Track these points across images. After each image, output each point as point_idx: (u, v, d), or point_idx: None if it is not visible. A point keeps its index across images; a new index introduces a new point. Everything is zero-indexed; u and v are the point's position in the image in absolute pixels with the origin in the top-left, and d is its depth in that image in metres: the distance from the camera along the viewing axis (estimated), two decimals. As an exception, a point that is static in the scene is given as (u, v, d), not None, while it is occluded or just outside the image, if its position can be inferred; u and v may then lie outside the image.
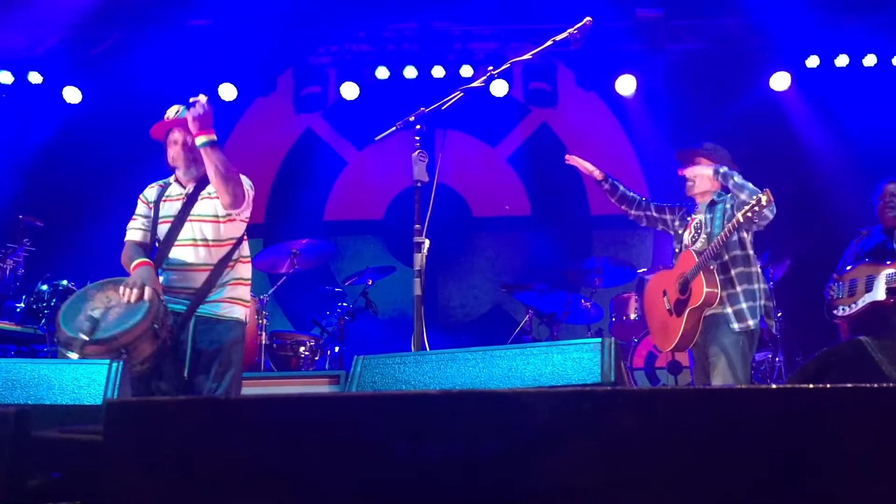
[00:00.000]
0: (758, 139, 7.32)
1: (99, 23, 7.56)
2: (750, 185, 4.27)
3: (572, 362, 2.43)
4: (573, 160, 4.87)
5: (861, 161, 7.52)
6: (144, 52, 7.82)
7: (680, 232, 4.64)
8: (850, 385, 1.39)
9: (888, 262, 5.08)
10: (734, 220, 4.21)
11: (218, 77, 7.94)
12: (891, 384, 1.55)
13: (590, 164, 4.83)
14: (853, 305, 5.06)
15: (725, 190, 4.52)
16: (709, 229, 4.48)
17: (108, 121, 7.92)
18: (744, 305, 4.28)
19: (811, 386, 1.28)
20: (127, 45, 7.87)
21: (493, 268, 8.36)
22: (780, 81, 7.71)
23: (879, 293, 5.00)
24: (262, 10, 7.51)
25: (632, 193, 4.81)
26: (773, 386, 1.20)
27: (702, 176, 4.55)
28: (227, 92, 7.96)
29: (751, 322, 4.28)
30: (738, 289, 4.30)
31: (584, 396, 1.14)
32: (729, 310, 4.29)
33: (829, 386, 1.39)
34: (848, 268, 5.29)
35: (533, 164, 8.42)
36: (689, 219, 4.64)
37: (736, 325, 4.26)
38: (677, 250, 4.64)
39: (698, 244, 4.49)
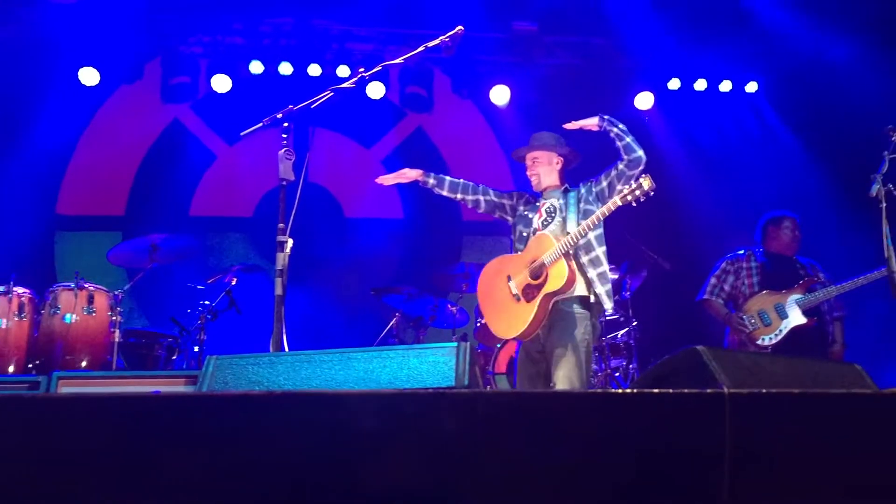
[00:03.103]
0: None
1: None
2: (637, 148, 4.38)
3: (428, 366, 2.45)
4: (385, 181, 4.91)
5: (715, 179, 8.03)
6: (2, 29, 7.34)
7: (529, 216, 4.56)
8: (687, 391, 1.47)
9: (783, 291, 5.45)
10: (610, 203, 4.20)
11: (80, 60, 7.54)
12: (720, 390, 1.65)
13: (404, 172, 4.83)
14: (777, 333, 5.39)
15: (572, 183, 4.60)
16: (563, 214, 4.42)
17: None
18: (601, 290, 4.29)
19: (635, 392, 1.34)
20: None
21: (364, 269, 8.30)
22: (645, 101, 8.10)
23: (798, 318, 5.38)
24: (131, -8, 7.21)
25: (460, 180, 4.77)
26: (599, 390, 1.25)
27: (545, 170, 4.64)
28: (89, 76, 7.56)
29: (608, 305, 4.33)
30: (593, 273, 4.30)
31: (409, 399, 1.15)
32: (589, 295, 4.28)
33: (671, 391, 1.46)
34: (745, 299, 5.56)
35: (407, 167, 8.40)
36: (538, 203, 4.59)
37: (587, 313, 4.29)
38: (525, 234, 4.51)
39: (552, 227, 4.42)
